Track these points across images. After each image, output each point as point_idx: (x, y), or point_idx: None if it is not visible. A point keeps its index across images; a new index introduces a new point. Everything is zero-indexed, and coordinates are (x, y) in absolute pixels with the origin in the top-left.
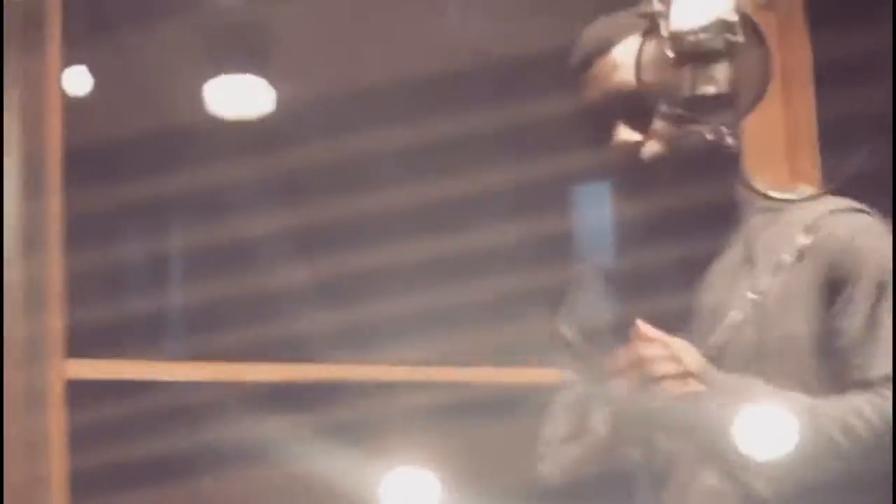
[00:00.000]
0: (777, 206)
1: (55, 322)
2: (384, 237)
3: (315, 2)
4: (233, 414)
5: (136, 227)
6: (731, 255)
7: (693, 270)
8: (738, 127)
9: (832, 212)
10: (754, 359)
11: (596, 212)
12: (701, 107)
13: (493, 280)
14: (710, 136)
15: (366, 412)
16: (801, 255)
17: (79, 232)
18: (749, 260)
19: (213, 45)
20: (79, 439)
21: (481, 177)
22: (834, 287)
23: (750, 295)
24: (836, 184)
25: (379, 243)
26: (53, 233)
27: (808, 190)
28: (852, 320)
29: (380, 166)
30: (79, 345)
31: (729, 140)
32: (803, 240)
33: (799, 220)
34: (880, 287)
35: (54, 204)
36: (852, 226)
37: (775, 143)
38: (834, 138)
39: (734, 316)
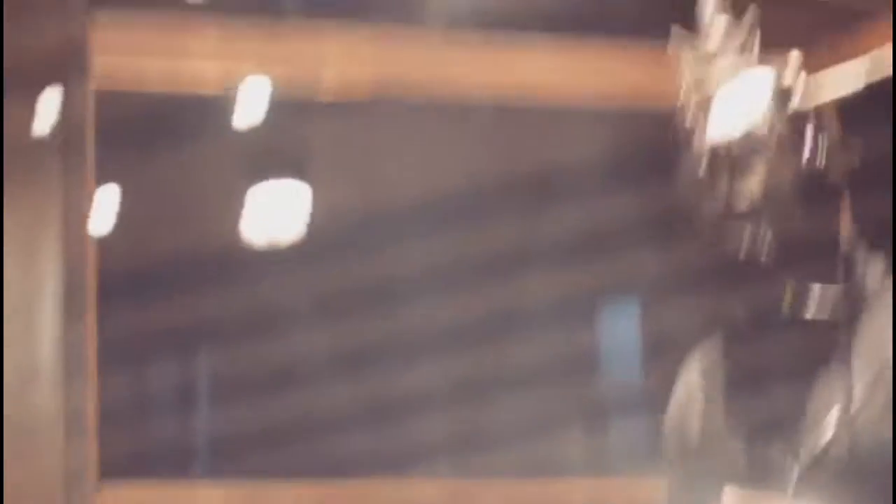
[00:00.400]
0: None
1: (93, 448)
2: (418, 355)
3: (348, 125)
4: None
5: (167, 351)
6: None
7: (790, 377)
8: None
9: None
10: (846, 470)
11: (626, 327)
12: (734, 221)
13: (526, 396)
14: (745, 249)
15: None
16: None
17: (110, 357)
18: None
19: (248, 167)
20: None
21: (515, 291)
22: None
23: (847, 405)
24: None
25: (412, 361)
26: (91, 359)
27: None
28: None
29: (413, 285)
30: (111, 469)
31: (765, 251)
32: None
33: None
34: None
35: (92, 330)
36: None
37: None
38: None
39: (829, 426)
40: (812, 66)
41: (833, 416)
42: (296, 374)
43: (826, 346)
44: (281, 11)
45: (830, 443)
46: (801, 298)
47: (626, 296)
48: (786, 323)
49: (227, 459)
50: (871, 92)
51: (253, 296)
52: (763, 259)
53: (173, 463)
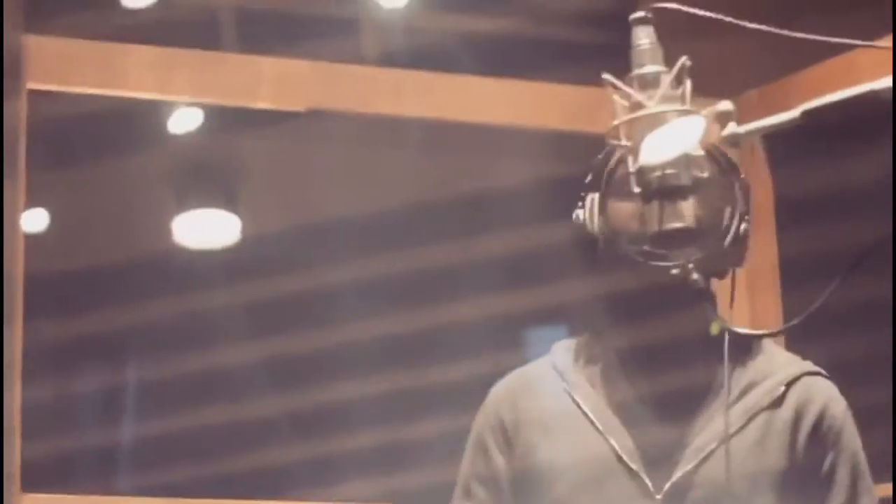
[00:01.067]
0: (753, 350)
1: (15, 455)
2: (347, 371)
3: (278, 138)
4: None
5: (93, 359)
6: (704, 390)
7: (665, 404)
8: (708, 264)
9: (809, 373)
10: (720, 493)
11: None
12: (667, 243)
13: (456, 415)
14: (675, 272)
15: None
16: (776, 404)
17: (34, 365)
18: (721, 397)
19: (179, 180)
20: None
21: (445, 309)
22: (805, 451)
23: (725, 429)
24: (797, 322)
25: (338, 379)
26: (16, 366)
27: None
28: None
29: (344, 299)
30: (33, 479)
31: (694, 276)
32: (781, 390)
33: (777, 369)
34: (855, 469)
35: (17, 336)
36: (826, 394)
37: (737, 280)
38: (796, 274)
39: (706, 446)
40: (744, 113)
41: (712, 433)
42: (223, 387)
43: (713, 369)
44: (216, 39)
45: (711, 456)
46: (722, 322)
47: (555, 319)
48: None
49: (150, 473)
50: (806, 122)
51: (183, 304)
52: (688, 283)
53: (96, 474)
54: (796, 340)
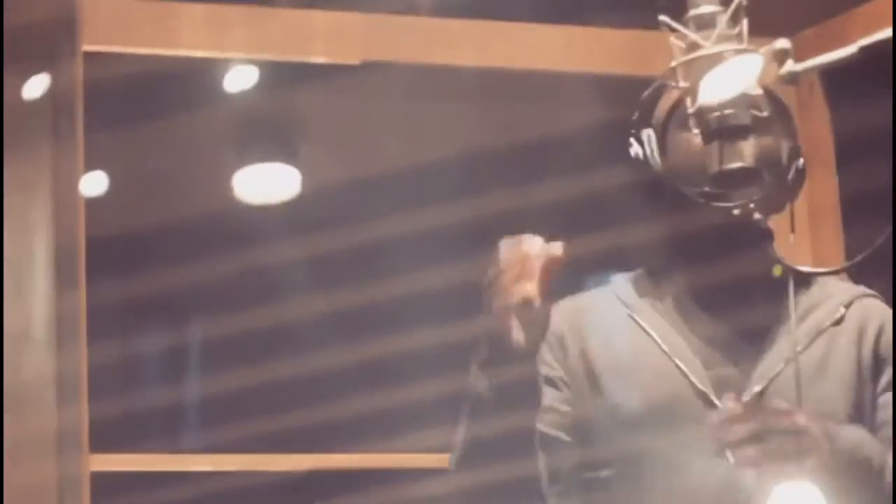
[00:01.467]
0: (809, 281)
1: (84, 415)
2: (408, 324)
3: (333, 91)
4: None
5: (158, 318)
6: (770, 324)
7: (729, 334)
8: (766, 202)
9: (865, 295)
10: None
11: None
12: (727, 183)
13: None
14: (736, 212)
15: (390, 501)
16: (838, 323)
17: (101, 325)
18: (786, 324)
19: (236, 137)
20: None
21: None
22: (871, 364)
23: (791, 351)
24: (859, 260)
25: (402, 330)
26: (82, 327)
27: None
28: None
29: (404, 250)
30: (100, 438)
31: (756, 216)
32: (842, 311)
33: (834, 293)
34: None
35: (82, 297)
36: (883, 314)
37: (798, 219)
38: (857, 213)
39: (774, 367)
40: (801, 51)
41: (779, 356)
42: (286, 343)
43: (777, 299)
44: None
45: (779, 377)
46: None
47: (617, 263)
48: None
49: (216, 430)
50: (864, 58)
51: (246, 262)
52: (750, 219)
53: (163, 433)
54: (858, 278)
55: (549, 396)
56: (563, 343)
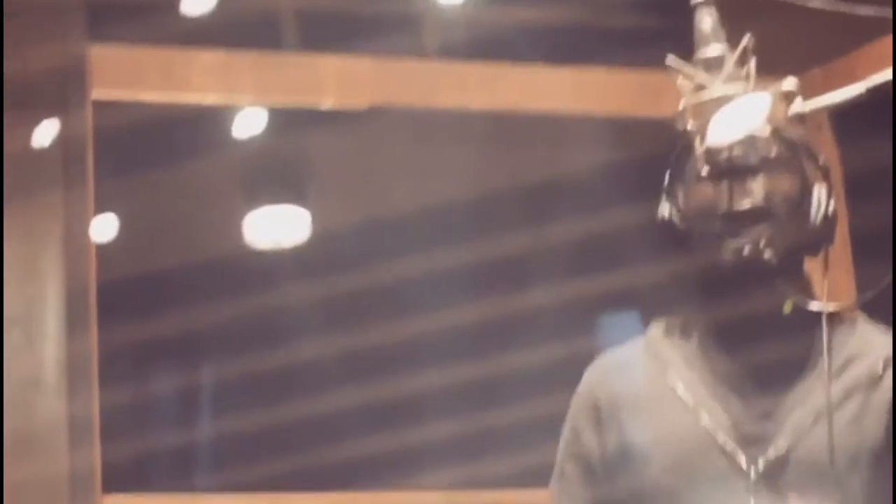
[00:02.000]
0: (849, 329)
1: (96, 458)
2: (422, 363)
3: (342, 136)
4: None
5: (169, 361)
6: (798, 368)
7: (759, 381)
8: (777, 239)
9: None
10: (817, 471)
11: (628, 336)
12: (738, 222)
13: (528, 407)
14: (746, 251)
15: None
16: (874, 381)
17: (112, 369)
18: (816, 374)
19: (245, 181)
20: None
21: (518, 300)
22: None
23: (823, 405)
24: (871, 296)
25: (417, 370)
26: (94, 370)
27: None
28: None
29: (415, 292)
30: (113, 480)
31: (767, 253)
32: (878, 367)
33: (873, 345)
34: None
35: (94, 341)
36: None
37: (816, 259)
38: (867, 250)
39: (802, 423)
40: (809, 90)
41: (808, 410)
42: (300, 384)
43: (808, 344)
44: (278, 40)
45: (807, 432)
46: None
47: (628, 305)
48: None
49: (229, 470)
50: (872, 97)
51: (255, 305)
52: (763, 261)
53: (177, 475)
54: (869, 314)
55: (572, 477)
56: (598, 415)
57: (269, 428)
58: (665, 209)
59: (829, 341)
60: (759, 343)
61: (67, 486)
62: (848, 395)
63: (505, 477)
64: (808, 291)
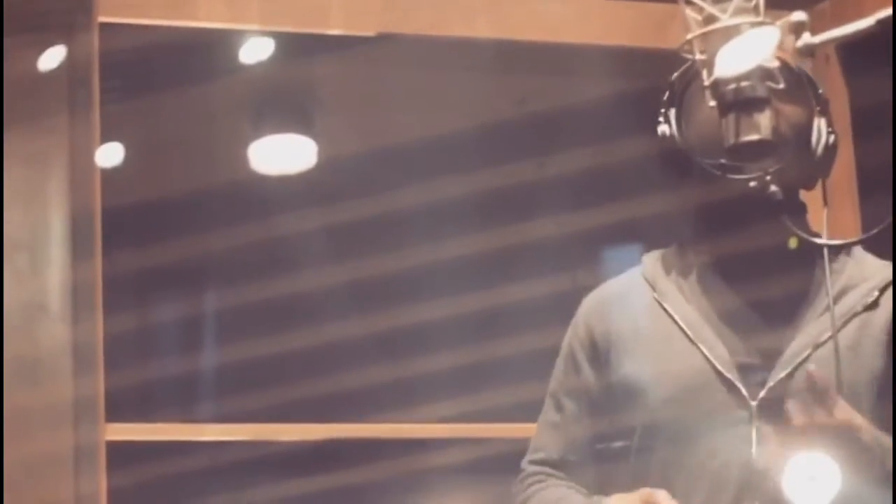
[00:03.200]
0: (845, 259)
1: (100, 385)
2: (422, 294)
3: (350, 63)
4: (271, 474)
5: (173, 288)
6: (795, 298)
7: (756, 313)
8: (782, 173)
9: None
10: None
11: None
12: (744, 155)
13: (531, 335)
14: (752, 184)
15: (402, 470)
16: (870, 308)
17: (117, 296)
18: (813, 304)
19: (253, 108)
20: (118, 501)
21: (522, 230)
22: None
23: (821, 336)
24: (876, 231)
25: (417, 300)
26: (98, 297)
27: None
28: None
29: (419, 220)
30: (116, 408)
31: (773, 187)
32: (875, 295)
33: (870, 275)
34: None
35: (98, 268)
36: None
37: (814, 191)
38: (874, 184)
39: (801, 352)
40: (817, 24)
41: (807, 339)
42: (304, 314)
43: (805, 276)
44: None
45: (807, 361)
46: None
47: (633, 235)
48: (773, 252)
49: (232, 400)
50: (881, 31)
51: (261, 233)
52: (766, 194)
53: (178, 403)
54: (873, 251)
55: (571, 410)
56: (595, 349)
57: (272, 357)
58: (666, 134)
59: (829, 272)
60: (758, 275)
61: (71, 413)
62: (845, 322)
63: (506, 410)
64: (806, 225)
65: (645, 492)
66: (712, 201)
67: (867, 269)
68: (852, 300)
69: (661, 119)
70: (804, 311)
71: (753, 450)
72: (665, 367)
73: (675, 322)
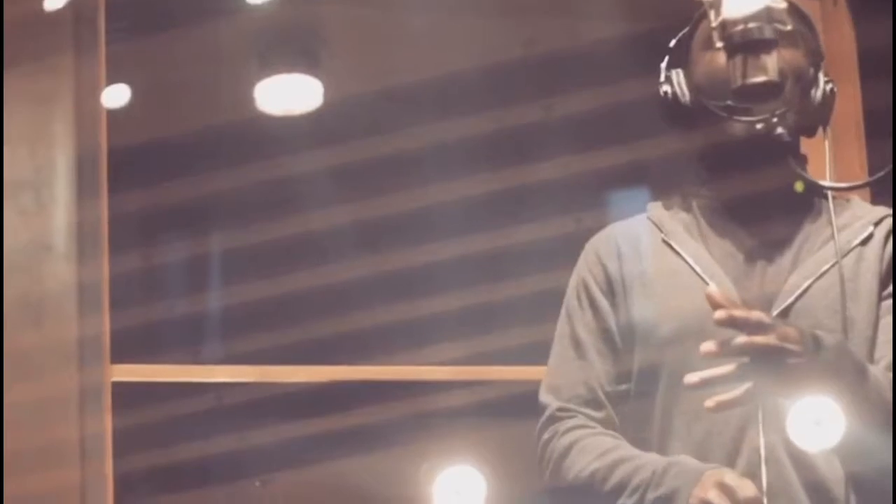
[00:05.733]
0: (839, 203)
1: (105, 325)
2: (427, 236)
3: (360, 1)
4: (277, 416)
5: (179, 229)
6: (795, 236)
7: (760, 250)
8: (788, 116)
9: (892, 215)
10: (816, 326)
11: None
12: (750, 97)
13: (536, 277)
14: (759, 126)
15: (406, 412)
16: (866, 241)
17: (122, 236)
18: (814, 241)
19: (258, 47)
20: (123, 441)
21: (527, 172)
22: (885, 278)
23: (820, 268)
24: (880, 175)
25: (422, 242)
26: (104, 237)
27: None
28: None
29: (426, 161)
30: (122, 348)
31: (779, 129)
32: (871, 229)
33: (863, 214)
34: None
35: (104, 208)
36: None
37: (818, 138)
38: (880, 128)
39: (802, 282)
40: None
41: (806, 271)
42: (309, 254)
43: (806, 217)
44: None
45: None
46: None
47: (640, 178)
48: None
49: (238, 341)
50: None
51: (267, 172)
52: (770, 136)
53: (185, 344)
54: (880, 193)
55: (581, 345)
56: (611, 284)
57: (278, 299)
58: (669, 83)
59: (827, 213)
60: (760, 216)
61: (76, 354)
62: (844, 255)
63: (512, 352)
64: (805, 169)
65: (713, 474)
66: (714, 144)
67: (859, 211)
68: (848, 236)
69: (663, 78)
70: (804, 246)
71: (753, 385)
72: (672, 301)
73: (684, 259)
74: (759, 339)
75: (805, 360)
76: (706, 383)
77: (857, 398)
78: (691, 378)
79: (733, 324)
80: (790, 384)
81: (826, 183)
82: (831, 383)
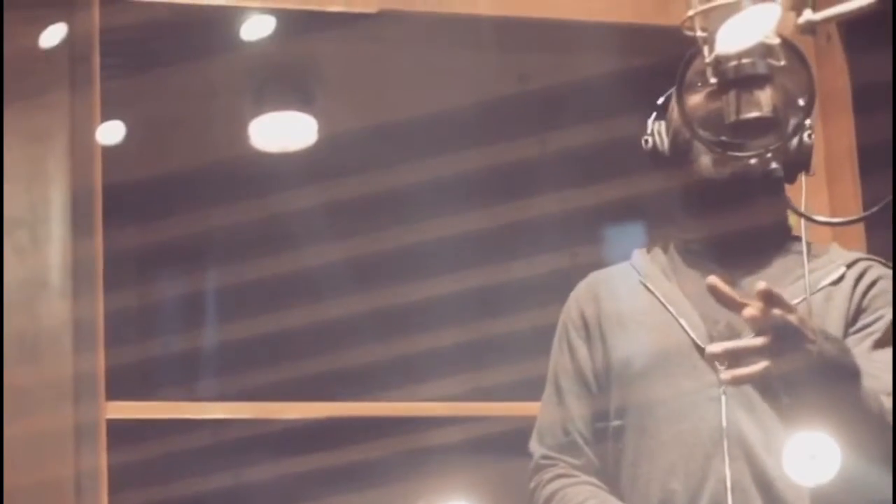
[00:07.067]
0: (818, 248)
1: (100, 362)
2: (422, 272)
3: (355, 39)
4: (272, 452)
5: (174, 266)
6: (769, 275)
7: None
8: (782, 151)
9: (868, 258)
10: None
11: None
12: (745, 132)
13: (533, 313)
14: (753, 161)
15: (402, 448)
16: (837, 282)
17: (118, 273)
18: (784, 279)
19: (253, 85)
20: (118, 478)
21: (522, 207)
22: (853, 314)
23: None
24: (875, 210)
25: (417, 278)
26: (99, 274)
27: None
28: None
29: (421, 198)
30: (117, 385)
31: (773, 165)
32: (843, 270)
33: (837, 259)
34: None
35: (99, 245)
36: (880, 271)
37: (815, 169)
38: (875, 163)
39: None
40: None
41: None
42: (304, 290)
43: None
44: None
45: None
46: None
47: (632, 213)
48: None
49: (233, 378)
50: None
51: (261, 209)
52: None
53: (180, 381)
54: (874, 228)
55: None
56: (588, 330)
57: (273, 336)
58: (650, 141)
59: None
60: (736, 252)
61: (72, 391)
62: (813, 293)
63: (507, 388)
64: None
65: None
66: (688, 185)
67: (835, 256)
68: (820, 276)
69: (648, 131)
70: (775, 284)
71: (723, 414)
72: (646, 338)
73: (657, 297)
74: (782, 317)
75: (817, 346)
76: (729, 355)
77: (854, 398)
78: (714, 348)
79: (769, 300)
80: (801, 368)
81: (821, 218)
82: (833, 375)
